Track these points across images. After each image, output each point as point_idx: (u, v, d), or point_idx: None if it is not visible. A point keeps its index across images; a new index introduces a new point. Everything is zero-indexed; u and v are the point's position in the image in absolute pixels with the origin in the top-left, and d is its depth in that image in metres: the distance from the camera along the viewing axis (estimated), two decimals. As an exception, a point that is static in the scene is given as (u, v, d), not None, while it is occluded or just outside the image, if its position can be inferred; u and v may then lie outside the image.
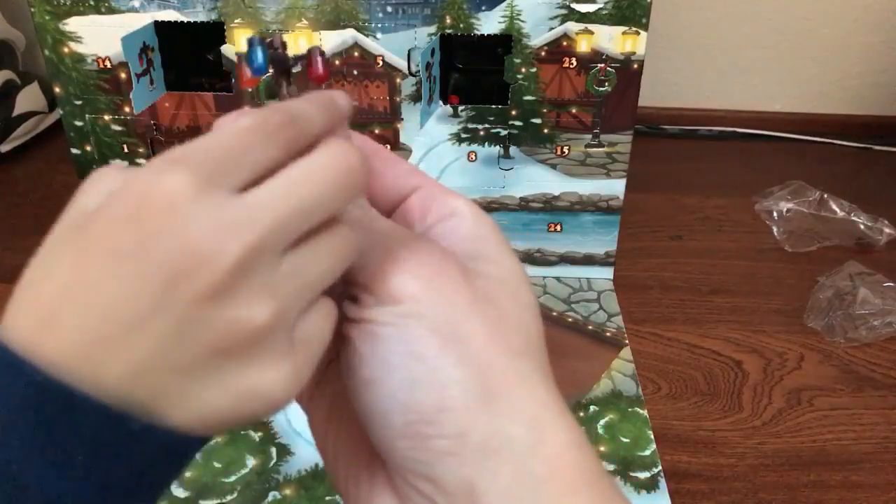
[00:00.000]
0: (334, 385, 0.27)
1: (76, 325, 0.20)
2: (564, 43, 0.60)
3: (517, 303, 0.25)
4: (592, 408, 0.54)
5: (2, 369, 0.20)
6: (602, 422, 0.53)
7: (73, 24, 0.59)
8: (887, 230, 0.77)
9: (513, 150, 0.65)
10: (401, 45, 0.60)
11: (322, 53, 0.34)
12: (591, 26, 0.59)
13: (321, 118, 0.24)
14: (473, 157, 0.65)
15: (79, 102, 0.62)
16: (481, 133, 0.64)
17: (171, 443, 0.21)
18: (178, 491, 0.47)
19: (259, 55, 0.35)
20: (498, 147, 0.64)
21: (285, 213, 0.21)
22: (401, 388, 0.23)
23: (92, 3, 0.58)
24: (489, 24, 0.59)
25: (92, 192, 0.23)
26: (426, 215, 0.27)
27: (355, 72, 0.61)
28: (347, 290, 0.25)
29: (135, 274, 0.20)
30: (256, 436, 0.52)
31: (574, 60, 0.60)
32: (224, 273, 0.20)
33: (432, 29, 0.59)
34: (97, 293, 0.20)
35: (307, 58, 0.32)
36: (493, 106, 0.63)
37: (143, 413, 0.20)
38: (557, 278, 0.70)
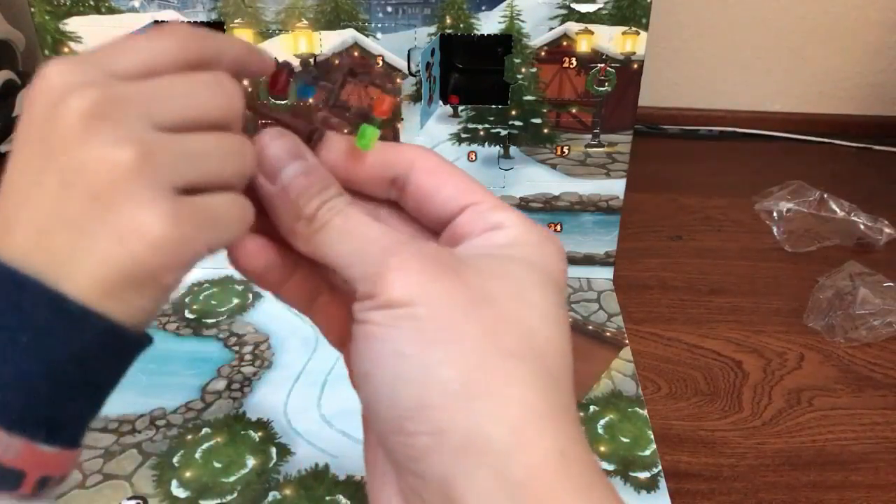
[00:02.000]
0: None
1: None
2: (564, 43, 0.60)
3: (521, 304, 0.25)
4: (592, 408, 0.54)
5: None
6: (602, 422, 0.53)
7: (73, 24, 0.59)
8: (887, 230, 0.77)
9: (513, 150, 0.65)
10: (401, 45, 0.60)
11: (291, 72, 0.34)
12: (591, 26, 0.59)
13: (229, 54, 0.28)
14: (473, 157, 0.65)
15: (79, 102, 0.62)
16: (481, 133, 0.64)
17: (108, 329, 0.23)
18: (178, 491, 0.47)
19: (310, 91, 0.36)
20: (498, 147, 0.64)
21: (149, 90, 0.24)
22: (387, 384, 0.24)
23: (92, 3, 0.58)
24: (489, 24, 0.59)
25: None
26: (473, 230, 0.28)
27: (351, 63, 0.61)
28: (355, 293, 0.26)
29: (28, 145, 0.24)
30: (256, 436, 0.52)
31: (574, 60, 0.60)
32: (79, 114, 0.23)
33: (432, 29, 0.59)
34: (7, 178, 0.24)
35: (275, 74, 0.34)
36: (493, 106, 0.63)
37: (49, 279, 0.22)
38: (557, 278, 0.70)
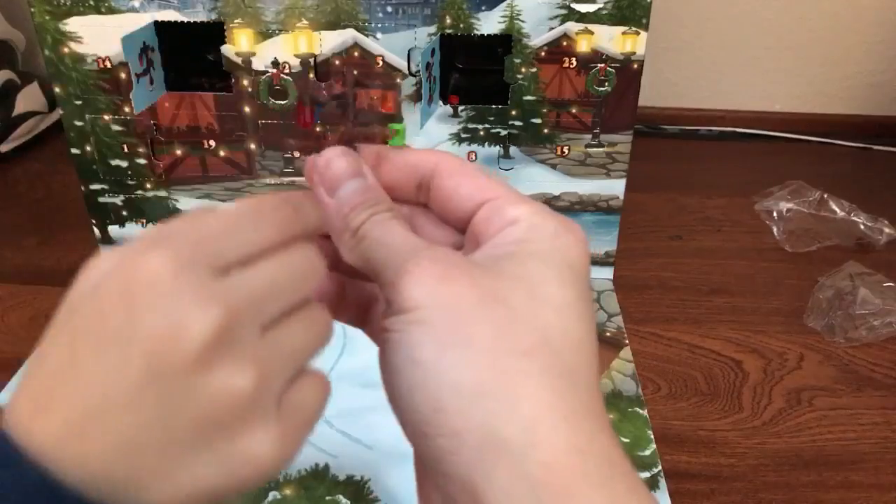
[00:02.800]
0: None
1: (64, 408, 0.21)
2: (564, 43, 0.60)
3: (535, 301, 0.25)
4: (592, 408, 0.55)
5: (2, 462, 0.21)
6: (602, 422, 0.53)
7: (73, 24, 0.59)
8: (887, 230, 0.77)
9: (513, 150, 0.65)
10: (401, 45, 0.60)
11: (312, 103, 0.35)
12: (591, 26, 0.59)
13: (313, 215, 0.28)
14: (473, 157, 0.65)
15: (79, 102, 0.62)
16: (481, 133, 0.64)
17: None
18: (178, 491, 0.47)
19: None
20: (498, 147, 0.64)
21: (260, 292, 0.24)
22: (405, 390, 0.25)
23: (92, 3, 0.58)
24: (489, 24, 0.59)
25: (90, 275, 0.25)
26: (490, 227, 0.28)
27: (355, 72, 0.61)
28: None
29: (118, 353, 0.21)
30: (256, 436, 0.52)
31: (574, 60, 0.60)
32: (202, 345, 0.21)
33: (432, 29, 0.59)
34: (84, 375, 0.21)
35: (296, 107, 0.35)
36: (493, 106, 0.63)
37: (129, 492, 0.21)
38: (557, 278, 0.69)
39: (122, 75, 0.60)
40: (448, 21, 0.59)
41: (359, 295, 0.31)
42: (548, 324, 0.25)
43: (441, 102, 0.63)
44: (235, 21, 0.59)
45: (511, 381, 0.24)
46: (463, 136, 0.64)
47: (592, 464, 0.23)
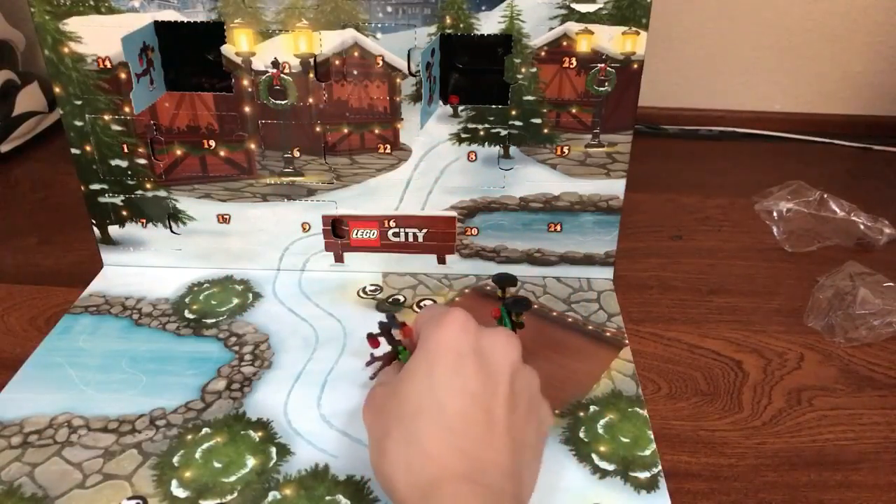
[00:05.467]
0: None
1: None
2: (564, 43, 0.60)
3: (400, 394, 0.41)
4: (592, 408, 0.54)
5: None
6: (602, 422, 0.53)
7: (73, 24, 0.59)
8: (887, 230, 0.77)
9: (513, 150, 0.65)
10: (401, 45, 0.60)
11: (401, 324, 0.50)
12: (591, 26, 0.59)
13: None
14: (473, 157, 0.65)
15: (79, 102, 0.62)
16: (481, 133, 0.64)
17: None
18: (177, 491, 0.47)
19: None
20: (498, 147, 0.64)
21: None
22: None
23: (92, 3, 0.58)
24: (489, 24, 0.59)
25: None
26: None
27: (355, 72, 0.61)
28: None
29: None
30: (256, 436, 0.52)
31: (574, 60, 0.60)
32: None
33: (432, 29, 0.59)
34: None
35: (401, 327, 0.50)
36: (493, 106, 0.63)
37: None
38: (557, 278, 0.70)
39: (122, 75, 0.60)
40: (448, 21, 0.59)
41: None
42: (413, 405, 0.37)
43: (441, 102, 0.63)
44: (235, 21, 0.59)
45: (385, 465, 0.37)
46: (463, 136, 0.64)
47: None
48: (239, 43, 0.60)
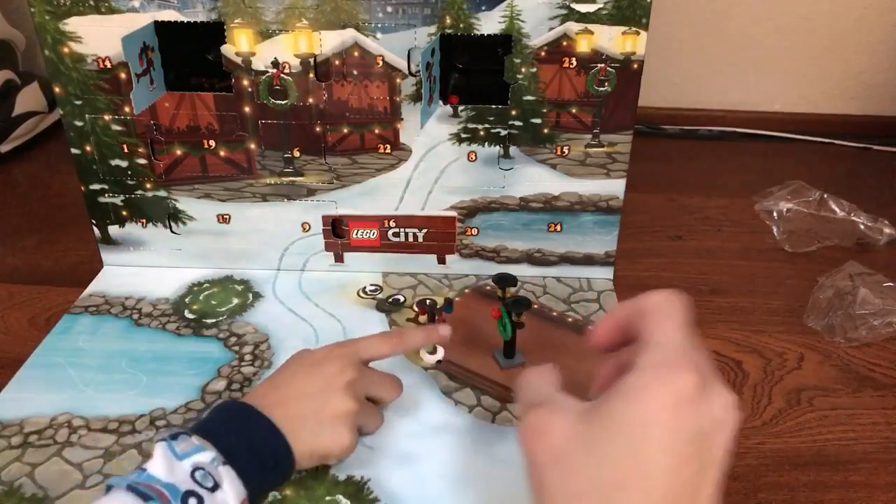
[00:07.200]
0: None
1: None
2: (564, 43, 0.60)
3: (621, 437, 0.33)
4: (592, 408, 0.54)
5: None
6: (602, 422, 0.53)
7: (73, 24, 0.59)
8: (887, 230, 0.77)
9: (513, 150, 0.65)
10: (401, 45, 0.60)
11: (442, 310, 0.62)
12: (591, 26, 0.59)
13: (416, 339, 0.55)
14: (473, 157, 0.65)
15: (79, 102, 0.62)
16: (481, 133, 0.64)
17: (290, 472, 0.47)
18: (178, 491, 0.47)
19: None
20: (498, 147, 0.64)
21: (374, 385, 0.53)
22: None
23: (92, 3, 0.58)
24: (489, 24, 0.59)
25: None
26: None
27: (355, 72, 0.61)
28: None
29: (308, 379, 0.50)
30: (256, 436, 0.52)
31: (574, 60, 0.60)
32: (344, 387, 0.49)
33: (432, 29, 0.59)
34: (281, 380, 0.50)
35: (436, 317, 0.60)
36: (493, 106, 0.63)
37: (288, 439, 0.46)
38: (557, 278, 0.70)
39: (122, 75, 0.60)
40: (448, 21, 0.59)
41: None
42: (616, 475, 0.31)
43: (441, 102, 0.63)
44: (235, 21, 0.59)
45: None
46: (463, 136, 0.64)
47: None
48: (239, 43, 0.60)
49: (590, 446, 0.32)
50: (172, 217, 0.68)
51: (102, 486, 0.47)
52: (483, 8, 0.58)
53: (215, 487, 0.41)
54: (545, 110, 0.63)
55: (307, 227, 0.68)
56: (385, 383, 0.52)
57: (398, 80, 0.61)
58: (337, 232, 0.68)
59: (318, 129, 0.63)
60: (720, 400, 0.35)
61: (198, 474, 0.40)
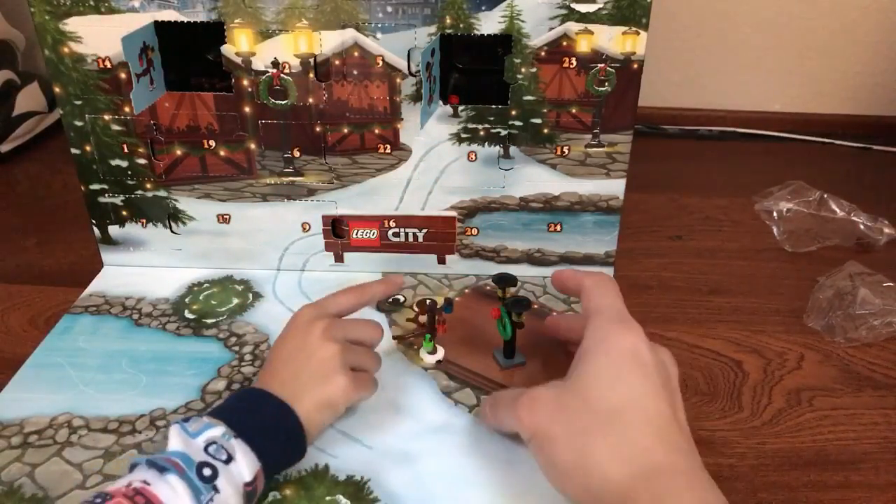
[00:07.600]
0: None
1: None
2: (564, 43, 0.60)
3: (591, 389, 0.43)
4: (592, 408, 0.54)
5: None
6: (602, 422, 0.53)
7: (73, 24, 0.59)
8: (887, 230, 0.77)
9: (513, 150, 0.65)
10: (401, 45, 0.60)
11: (442, 310, 0.61)
12: (591, 26, 0.59)
13: (376, 291, 0.57)
14: (473, 157, 0.65)
15: (79, 102, 0.62)
16: (481, 133, 0.64)
17: (302, 443, 0.48)
18: (178, 491, 0.47)
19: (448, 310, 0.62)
20: (498, 147, 0.64)
21: (344, 325, 0.53)
22: (555, 482, 0.43)
23: (92, 3, 0.58)
24: (489, 24, 0.59)
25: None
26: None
27: (355, 72, 0.61)
28: None
29: (286, 343, 0.52)
30: (256, 436, 0.52)
31: (574, 60, 0.60)
32: (321, 336, 0.50)
33: (432, 29, 0.59)
34: (278, 354, 0.52)
35: (436, 317, 0.60)
36: (493, 106, 0.63)
37: (290, 403, 0.47)
38: (557, 278, 0.69)
39: (122, 75, 0.60)
40: (448, 21, 0.59)
41: None
42: (612, 404, 0.41)
43: (441, 102, 0.63)
44: (235, 21, 0.59)
45: (588, 459, 0.40)
46: (463, 136, 0.64)
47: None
48: (239, 43, 0.60)
49: (578, 394, 0.41)
50: (172, 217, 0.68)
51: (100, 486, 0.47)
52: (483, 8, 0.58)
53: (229, 460, 0.42)
54: (545, 110, 0.63)
55: (307, 227, 0.68)
56: (363, 325, 0.54)
57: (398, 80, 0.61)
58: (337, 232, 0.69)
59: (318, 129, 0.63)
60: (662, 349, 0.45)
61: (211, 448, 0.42)
